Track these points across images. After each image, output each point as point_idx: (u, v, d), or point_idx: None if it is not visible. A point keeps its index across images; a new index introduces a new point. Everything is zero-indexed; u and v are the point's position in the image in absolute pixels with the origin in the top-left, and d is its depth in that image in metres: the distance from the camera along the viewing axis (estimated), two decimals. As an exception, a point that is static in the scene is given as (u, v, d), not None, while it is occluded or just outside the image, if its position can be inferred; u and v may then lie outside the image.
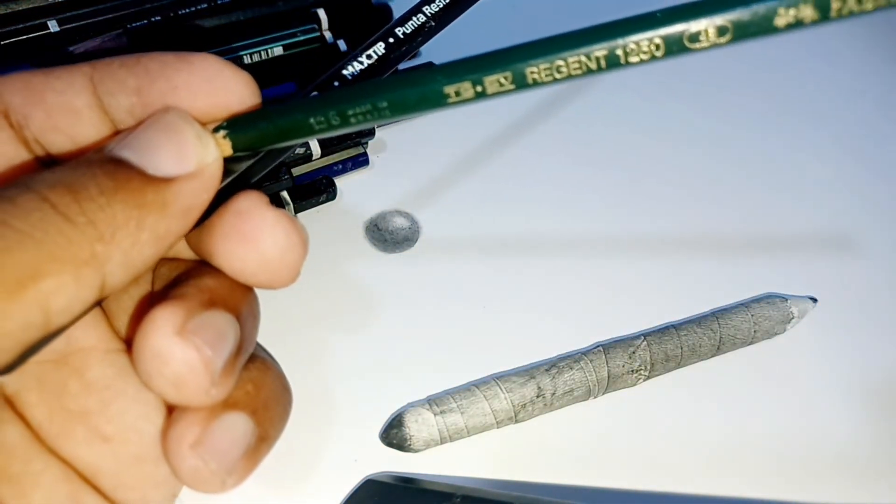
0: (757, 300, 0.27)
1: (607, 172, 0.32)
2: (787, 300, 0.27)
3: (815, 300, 0.28)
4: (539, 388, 0.25)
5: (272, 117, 0.16)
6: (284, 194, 0.29)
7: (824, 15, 0.13)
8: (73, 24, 0.29)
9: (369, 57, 0.18)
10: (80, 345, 0.17)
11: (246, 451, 0.17)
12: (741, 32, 0.13)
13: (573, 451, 0.25)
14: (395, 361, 0.26)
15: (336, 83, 0.18)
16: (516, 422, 0.25)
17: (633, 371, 0.25)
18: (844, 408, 0.26)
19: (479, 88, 0.15)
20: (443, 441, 0.24)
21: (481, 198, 0.31)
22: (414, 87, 0.15)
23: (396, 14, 0.35)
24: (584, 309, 0.28)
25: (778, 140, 0.34)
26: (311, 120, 0.16)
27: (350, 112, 0.16)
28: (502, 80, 0.15)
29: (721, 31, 0.13)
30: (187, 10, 0.31)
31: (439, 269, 0.29)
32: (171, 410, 0.18)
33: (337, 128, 0.16)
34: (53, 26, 0.29)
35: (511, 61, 0.14)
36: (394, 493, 0.22)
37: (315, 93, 0.17)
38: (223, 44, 0.30)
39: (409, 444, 0.24)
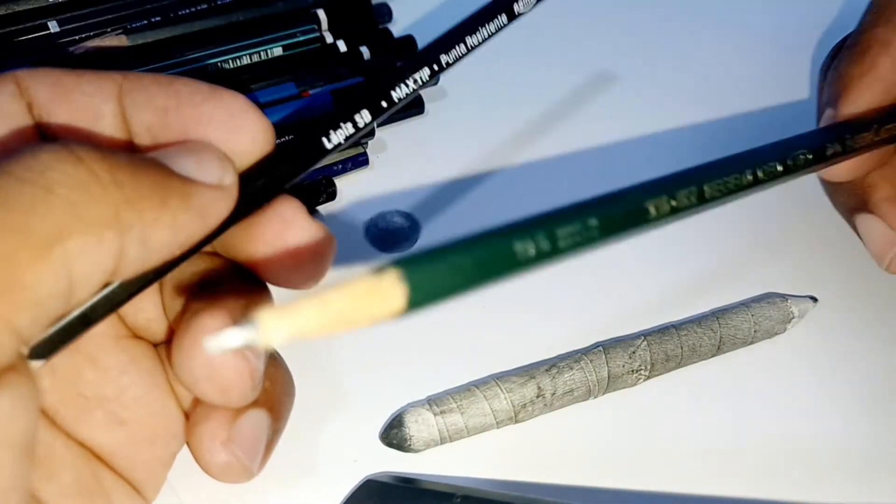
0: (757, 300, 0.27)
1: (607, 173, 0.32)
2: (787, 300, 0.27)
3: (815, 300, 0.28)
4: (539, 388, 0.25)
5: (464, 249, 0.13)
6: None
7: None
8: (74, 24, 0.29)
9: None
10: (90, 332, 0.17)
11: (266, 442, 0.18)
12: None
13: (573, 451, 0.25)
14: (395, 361, 0.26)
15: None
16: (516, 422, 0.25)
17: (633, 371, 0.25)
18: (845, 408, 0.26)
19: (673, 203, 0.17)
20: (443, 441, 0.24)
21: (481, 198, 0.31)
22: (621, 203, 0.17)
23: (396, 14, 0.35)
24: (584, 309, 0.28)
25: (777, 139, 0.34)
26: (517, 247, 0.14)
27: (560, 233, 0.15)
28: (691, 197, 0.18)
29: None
30: (187, 11, 0.31)
31: (439, 269, 0.29)
32: (174, 391, 0.19)
33: (548, 257, 0.15)
34: (54, 26, 0.29)
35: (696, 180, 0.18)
36: (394, 493, 0.22)
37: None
38: (223, 44, 0.30)
39: (409, 444, 0.24)
